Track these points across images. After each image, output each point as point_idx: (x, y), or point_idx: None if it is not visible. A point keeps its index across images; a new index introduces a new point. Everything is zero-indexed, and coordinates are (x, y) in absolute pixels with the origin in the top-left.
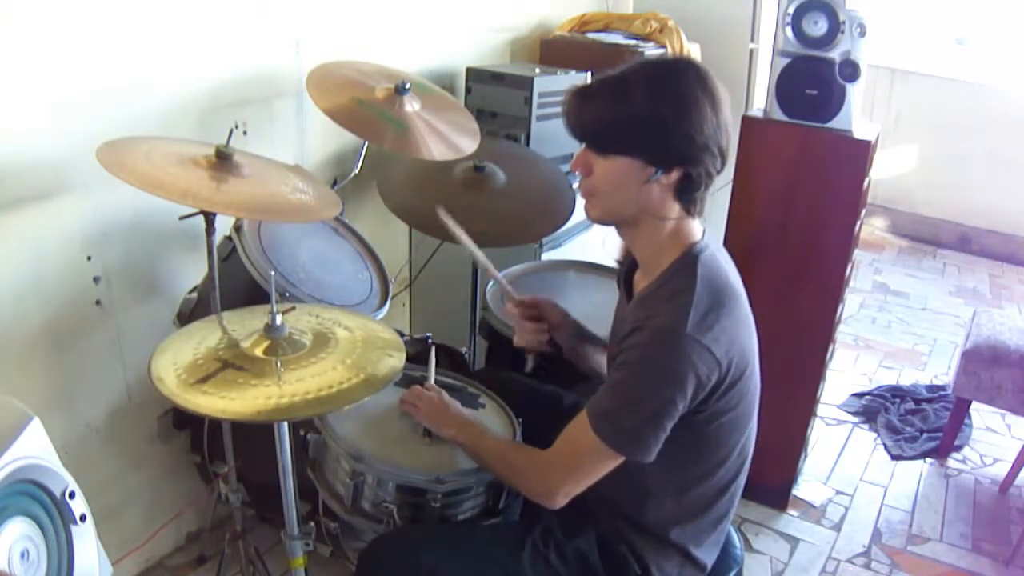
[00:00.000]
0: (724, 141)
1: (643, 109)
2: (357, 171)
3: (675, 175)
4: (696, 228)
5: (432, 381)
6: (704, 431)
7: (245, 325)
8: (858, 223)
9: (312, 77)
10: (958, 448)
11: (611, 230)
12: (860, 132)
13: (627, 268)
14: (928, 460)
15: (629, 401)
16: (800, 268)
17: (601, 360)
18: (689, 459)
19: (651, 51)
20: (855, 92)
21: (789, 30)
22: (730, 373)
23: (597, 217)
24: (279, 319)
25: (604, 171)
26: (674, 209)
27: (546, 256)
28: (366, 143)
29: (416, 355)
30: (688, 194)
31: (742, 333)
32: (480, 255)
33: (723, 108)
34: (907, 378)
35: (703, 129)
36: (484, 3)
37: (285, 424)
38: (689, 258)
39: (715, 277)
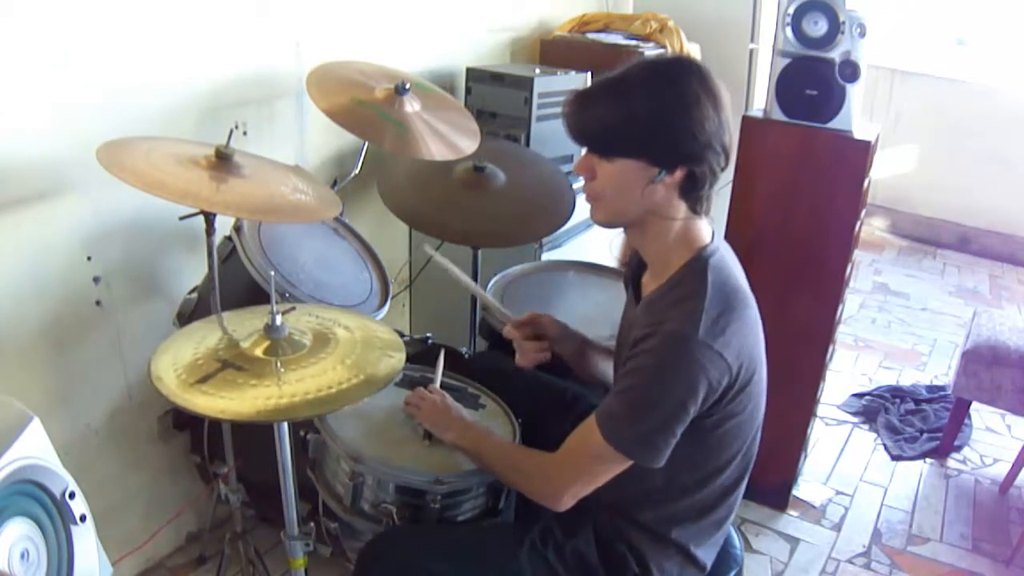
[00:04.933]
0: (727, 138)
1: (644, 110)
2: (357, 171)
3: (679, 174)
4: (705, 229)
5: (439, 385)
6: (711, 435)
7: (245, 325)
8: (858, 223)
9: (312, 77)
10: (958, 448)
11: (618, 232)
12: (860, 132)
13: (634, 269)
14: (928, 460)
15: (640, 406)
16: (800, 268)
17: (604, 366)
18: (694, 462)
19: (651, 51)
20: (855, 92)
21: (789, 30)
22: (740, 377)
23: (603, 220)
24: (279, 319)
25: (608, 174)
26: (680, 209)
27: (546, 256)
28: (366, 143)
29: (416, 355)
30: (693, 193)
31: (751, 337)
32: (473, 285)
33: (724, 106)
34: (907, 378)
35: (705, 127)
36: (484, 3)
37: (285, 424)
38: (699, 262)
39: (725, 281)
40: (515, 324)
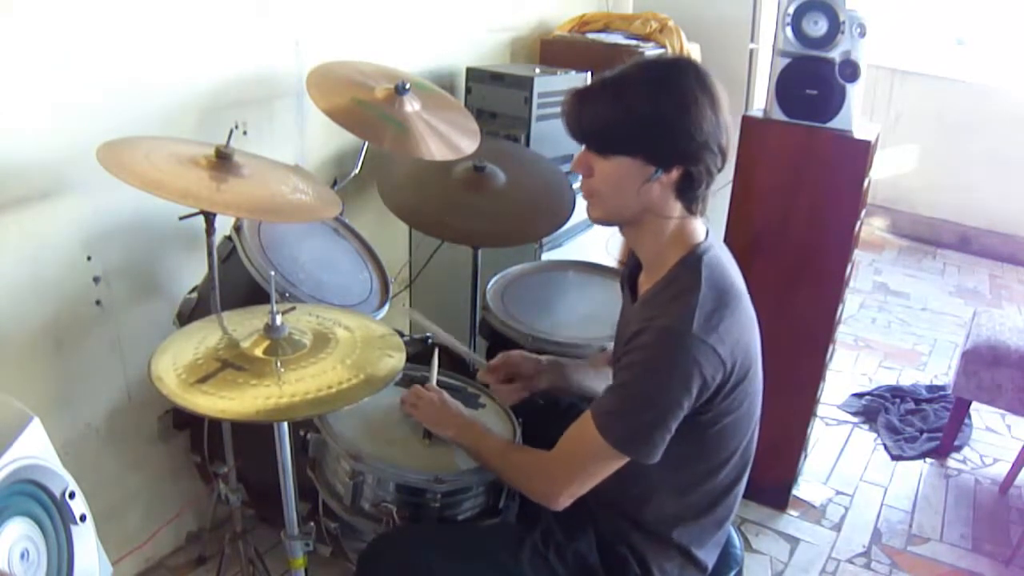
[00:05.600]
0: (724, 139)
1: (642, 108)
2: (357, 171)
3: (675, 174)
4: (699, 228)
5: (434, 382)
6: (708, 432)
7: (245, 325)
8: (858, 223)
9: (312, 77)
10: (958, 448)
11: (615, 231)
12: (860, 132)
13: (631, 269)
14: (928, 460)
15: (635, 402)
16: (800, 268)
17: (587, 381)
18: (692, 460)
19: (651, 51)
20: (855, 92)
21: (789, 30)
22: (735, 373)
23: (599, 218)
24: (279, 319)
25: (605, 171)
26: (676, 208)
27: (546, 256)
28: (366, 143)
29: (416, 355)
30: (689, 193)
31: (746, 334)
32: (449, 338)
33: (722, 106)
34: (907, 378)
35: (703, 127)
36: (484, 3)
37: (285, 424)
38: (693, 258)
39: (719, 277)
40: (488, 369)
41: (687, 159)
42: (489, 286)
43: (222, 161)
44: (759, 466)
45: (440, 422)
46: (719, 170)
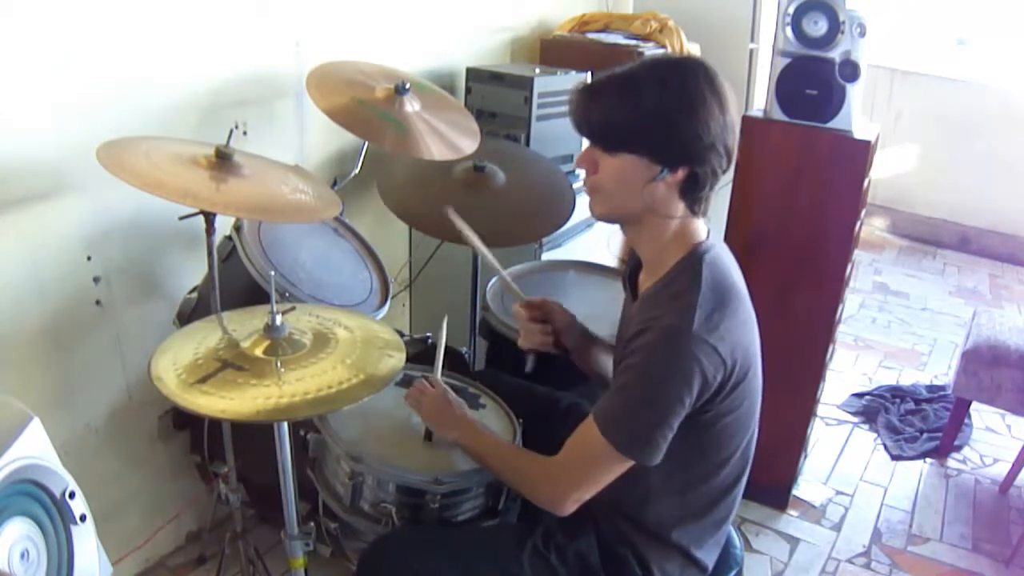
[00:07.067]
0: (731, 141)
1: (650, 107)
2: (357, 171)
3: (681, 174)
4: (701, 228)
5: (439, 375)
6: (708, 432)
7: (245, 325)
8: (858, 223)
9: (312, 77)
10: (958, 448)
11: (616, 230)
12: (860, 132)
13: (632, 268)
14: (928, 460)
15: (637, 403)
16: (800, 268)
17: (605, 362)
18: (692, 460)
19: (651, 51)
20: (855, 92)
21: (789, 30)
22: (735, 373)
23: (601, 214)
24: (279, 319)
25: (610, 168)
26: (679, 208)
27: (546, 256)
28: (366, 143)
29: (416, 355)
30: (693, 193)
31: (746, 334)
32: (488, 255)
33: (730, 108)
34: (907, 378)
35: (710, 128)
36: (484, 3)
37: (285, 424)
38: (694, 258)
39: (720, 277)
40: (524, 304)
41: (693, 160)
42: (489, 286)
43: (222, 161)
44: (759, 466)
45: (442, 419)
46: (724, 171)
